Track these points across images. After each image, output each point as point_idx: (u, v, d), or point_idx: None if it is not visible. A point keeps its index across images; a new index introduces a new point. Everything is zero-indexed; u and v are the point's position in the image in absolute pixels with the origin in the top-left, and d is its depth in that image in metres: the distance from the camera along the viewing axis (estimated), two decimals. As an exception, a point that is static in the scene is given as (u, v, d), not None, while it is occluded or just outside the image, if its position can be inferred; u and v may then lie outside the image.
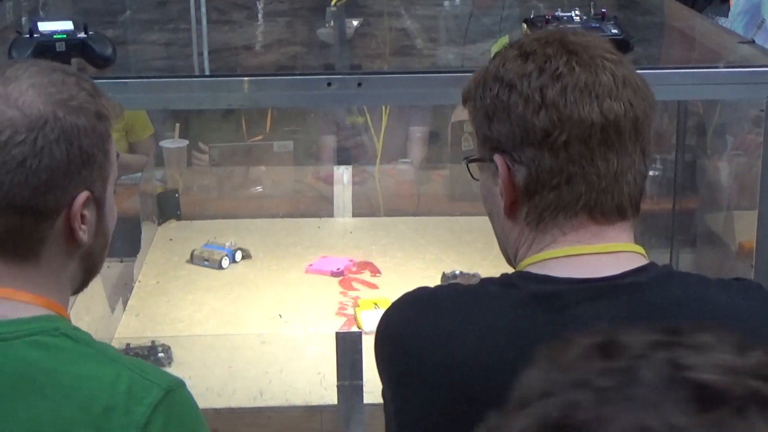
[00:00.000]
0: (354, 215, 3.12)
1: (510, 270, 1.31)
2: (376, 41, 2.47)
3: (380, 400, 2.12)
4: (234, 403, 2.14)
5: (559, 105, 1.20)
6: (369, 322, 2.36)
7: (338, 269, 2.75)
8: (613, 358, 0.59)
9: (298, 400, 2.16)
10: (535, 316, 1.20)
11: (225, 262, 2.78)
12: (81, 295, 1.55)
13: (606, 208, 1.23)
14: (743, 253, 2.46)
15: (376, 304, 2.48)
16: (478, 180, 1.33)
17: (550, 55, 1.22)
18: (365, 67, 2.21)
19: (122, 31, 2.55)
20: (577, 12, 2.04)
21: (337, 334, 2.14)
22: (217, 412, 2.09)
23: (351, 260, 2.79)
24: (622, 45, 1.87)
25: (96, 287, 2.26)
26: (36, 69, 1.24)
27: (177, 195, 3.13)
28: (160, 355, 2.25)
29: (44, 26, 1.91)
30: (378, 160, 3.42)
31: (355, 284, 2.69)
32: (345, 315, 2.52)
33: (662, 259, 2.39)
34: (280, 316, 2.49)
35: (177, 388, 1.22)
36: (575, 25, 2.01)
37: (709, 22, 2.92)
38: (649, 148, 1.25)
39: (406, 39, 2.52)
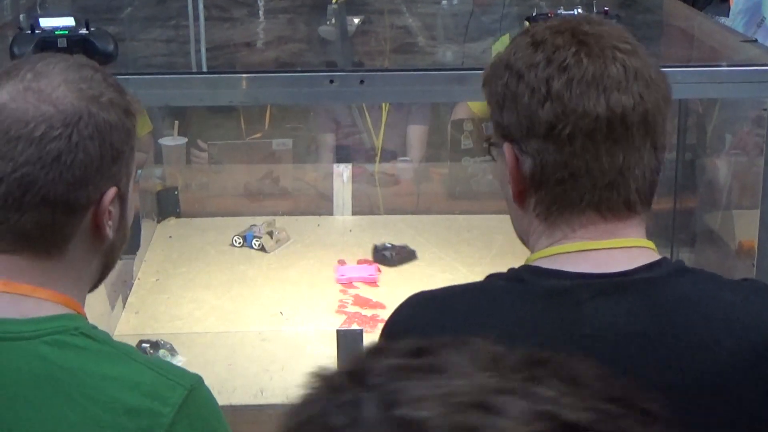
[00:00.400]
0: (353, 213, 3.11)
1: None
2: (378, 39, 2.47)
3: (381, 398, 2.14)
4: (234, 401, 2.13)
5: (564, 97, 1.18)
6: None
7: (371, 275, 2.72)
8: (344, 391, 0.59)
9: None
10: (550, 313, 1.19)
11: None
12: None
13: (613, 203, 1.22)
14: (743, 252, 2.46)
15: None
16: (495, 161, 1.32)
17: (560, 46, 1.21)
18: (367, 65, 2.21)
19: (122, 28, 2.55)
20: (579, 10, 2.04)
21: (338, 331, 2.14)
22: (217, 409, 2.09)
23: (376, 267, 2.76)
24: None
25: (96, 284, 2.26)
26: (65, 64, 1.25)
27: (176, 193, 3.12)
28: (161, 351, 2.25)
29: (46, 22, 1.91)
30: (378, 158, 3.41)
31: (355, 282, 2.69)
32: (345, 312, 2.52)
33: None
34: (281, 313, 2.49)
35: (198, 386, 1.22)
36: (577, 23, 2.01)
37: (710, 20, 2.92)
38: (661, 142, 1.23)
39: (408, 36, 2.52)
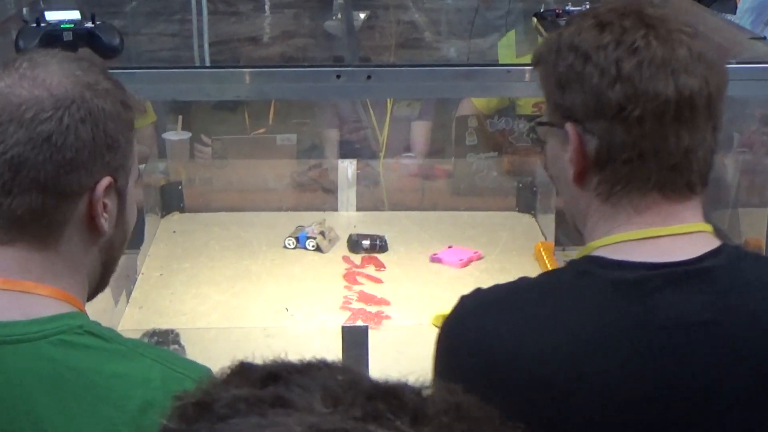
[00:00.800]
0: (358, 209, 3.11)
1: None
2: (384, 34, 2.46)
3: (386, 395, 2.13)
4: (239, 397, 2.12)
5: (634, 79, 1.20)
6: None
7: (461, 260, 2.73)
8: (189, 422, 0.59)
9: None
10: (619, 305, 1.19)
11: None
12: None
13: (677, 185, 1.23)
14: (750, 249, 2.45)
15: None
16: (545, 142, 1.32)
17: (627, 28, 1.22)
18: (373, 60, 2.20)
19: (127, 21, 2.54)
20: (587, 6, 2.03)
21: (344, 328, 2.13)
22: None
23: (476, 252, 2.78)
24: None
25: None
26: (63, 56, 1.25)
27: (180, 187, 3.11)
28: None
29: (51, 16, 1.91)
30: (382, 154, 3.41)
31: (359, 278, 2.68)
32: (349, 309, 2.51)
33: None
34: (286, 309, 2.48)
35: (210, 377, 1.20)
36: (586, 19, 2.00)
37: (718, 17, 2.91)
38: (720, 124, 1.24)
39: (413, 32, 2.51)
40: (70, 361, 1.17)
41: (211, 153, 3.46)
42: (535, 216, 3.05)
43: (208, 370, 1.22)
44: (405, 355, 2.28)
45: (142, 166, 3.07)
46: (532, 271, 2.70)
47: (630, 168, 1.22)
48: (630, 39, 1.21)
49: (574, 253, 2.86)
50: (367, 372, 2.12)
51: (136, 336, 2.24)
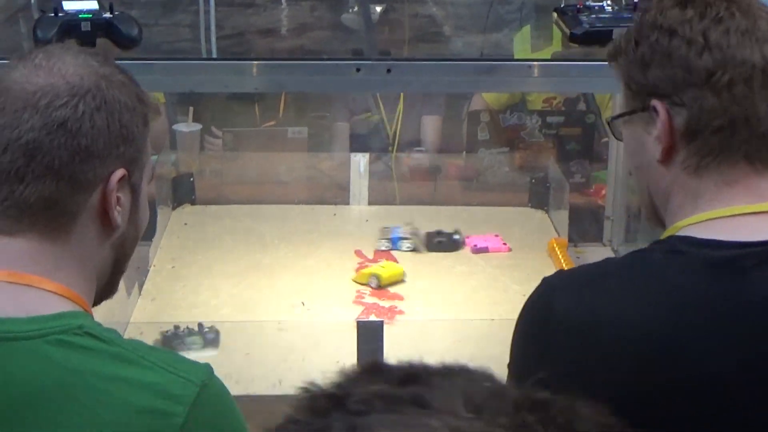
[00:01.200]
0: (370, 203, 3.09)
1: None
2: (401, 27, 2.45)
3: (400, 391, 2.12)
4: (253, 391, 2.11)
5: (722, 46, 1.23)
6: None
7: (477, 245, 2.76)
8: (320, 415, 0.57)
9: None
10: (715, 283, 1.18)
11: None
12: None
13: (764, 154, 1.24)
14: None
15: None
16: (621, 140, 1.34)
17: (710, 2, 1.26)
18: (393, 53, 2.19)
19: (143, 12, 2.53)
20: (608, 2, 2.02)
21: (359, 322, 2.12)
22: (236, 399, 2.07)
23: (500, 239, 2.80)
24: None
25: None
26: (78, 48, 1.26)
27: (192, 179, 3.10)
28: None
29: (69, 5, 1.89)
30: (395, 148, 3.40)
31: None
32: (362, 303, 2.50)
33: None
34: (303, 303, 2.47)
35: (209, 380, 1.18)
36: (607, 15, 1.99)
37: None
38: None
39: (432, 25, 2.49)
40: (68, 362, 1.14)
41: (222, 145, 3.45)
42: (547, 212, 3.04)
43: (209, 371, 1.20)
44: (420, 350, 2.24)
45: (154, 158, 3.06)
46: (546, 267, 2.69)
47: (720, 137, 1.23)
48: (714, 11, 1.25)
49: (587, 250, 2.88)
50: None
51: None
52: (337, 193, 3.12)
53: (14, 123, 1.17)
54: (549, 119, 3.38)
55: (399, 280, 2.60)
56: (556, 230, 2.91)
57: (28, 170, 1.17)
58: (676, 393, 1.17)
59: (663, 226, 1.31)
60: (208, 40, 3.09)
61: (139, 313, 2.44)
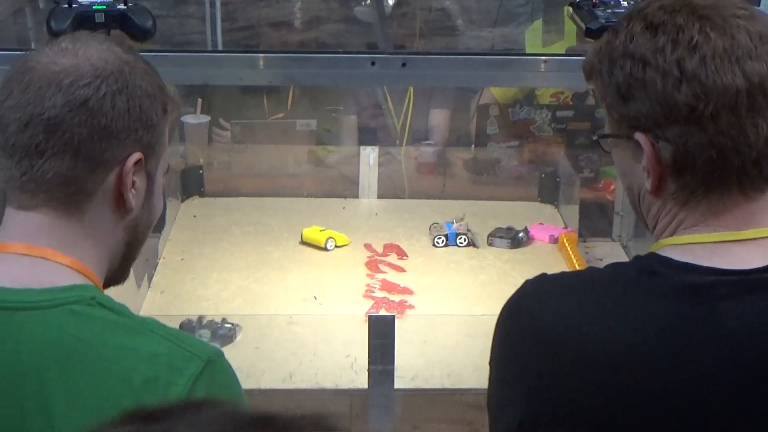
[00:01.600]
0: (379, 197, 3.09)
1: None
2: (415, 20, 2.44)
3: (411, 386, 2.13)
4: (263, 384, 2.11)
5: (700, 76, 1.15)
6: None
7: (552, 236, 2.78)
8: None
9: (328, 383, 2.14)
10: (684, 309, 1.16)
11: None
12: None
13: (756, 181, 1.19)
14: None
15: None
16: (608, 152, 1.28)
17: (681, 25, 1.17)
18: (407, 47, 2.18)
19: (156, 3, 2.52)
20: (624, -4, 2.00)
21: (370, 317, 2.12)
22: (246, 392, 2.06)
23: (565, 228, 2.84)
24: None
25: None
26: (103, 38, 1.28)
27: (201, 171, 3.10)
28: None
29: (83, -4, 1.88)
30: (404, 141, 3.39)
31: (381, 267, 2.66)
32: (372, 297, 2.49)
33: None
34: (315, 297, 2.46)
35: (216, 358, 1.21)
36: (623, 10, 1.97)
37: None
38: None
39: (443, 19, 2.48)
40: (78, 331, 1.17)
41: (230, 137, 3.44)
42: (557, 206, 3.03)
43: (218, 351, 1.22)
44: (430, 345, 2.27)
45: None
46: (556, 262, 2.69)
47: (710, 169, 1.17)
48: (687, 36, 1.16)
49: (596, 245, 2.87)
50: (393, 364, 2.09)
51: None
52: (347, 187, 3.11)
53: (37, 100, 1.20)
54: (558, 113, 3.37)
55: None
56: (566, 225, 2.90)
57: (47, 146, 1.20)
58: (633, 414, 1.15)
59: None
60: (214, 32, 3.09)
61: (148, 306, 2.44)
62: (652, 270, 1.19)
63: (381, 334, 2.06)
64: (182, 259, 2.69)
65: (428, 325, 2.34)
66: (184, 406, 0.63)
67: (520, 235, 2.79)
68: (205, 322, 2.28)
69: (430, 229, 2.82)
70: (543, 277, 1.28)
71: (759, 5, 3.61)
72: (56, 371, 1.15)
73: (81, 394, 1.14)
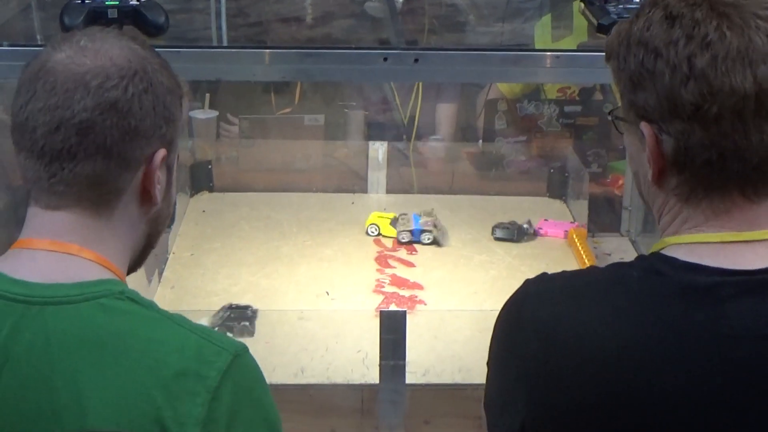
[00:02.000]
0: (388, 191, 3.09)
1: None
2: (423, 16, 2.44)
3: (422, 381, 2.13)
4: (275, 380, 2.11)
5: (709, 76, 1.13)
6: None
7: (565, 231, 2.79)
8: None
9: (339, 378, 2.14)
10: (687, 310, 1.14)
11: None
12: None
13: (759, 186, 1.17)
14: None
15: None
16: (622, 134, 1.27)
17: (699, 20, 1.15)
18: (420, 43, 2.18)
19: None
20: (637, -10, 2.00)
21: (382, 312, 2.12)
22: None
23: (575, 223, 2.83)
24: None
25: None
26: (118, 33, 1.29)
27: (210, 167, 3.10)
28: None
29: (96, -8, 1.88)
30: (413, 137, 3.39)
31: (391, 262, 2.66)
32: (382, 292, 2.50)
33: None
34: (327, 293, 2.46)
35: (243, 353, 1.22)
36: (635, 6, 1.97)
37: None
38: None
39: (453, 14, 2.48)
40: (109, 324, 1.18)
41: (239, 132, 3.44)
42: (566, 201, 3.04)
43: (244, 346, 1.24)
44: (441, 340, 2.27)
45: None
46: (565, 257, 2.69)
47: (710, 170, 1.16)
48: (702, 32, 1.14)
49: (605, 240, 2.86)
50: (404, 359, 2.09)
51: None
52: (355, 182, 3.11)
53: (66, 103, 1.20)
54: (566, 108, 3.37)
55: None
56: (575, 220, 2.90)
57: (80, 149, 1.21)
58: (635, 416, 1.14)
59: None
60: (219, 27, 3.08)
61: (158, 301, 2.42)
62: (656, 270, 1.18)
63: (392, 329, 2.07)
64: (192, 254, 2.69)
65: (439, 321, 2.34)
66: None
67: (525, 226, 2.79)
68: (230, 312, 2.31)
69: (397, 220, 2.80)
70: (543, 277, 1.27)
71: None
72: (88, 364, 1.16)
73: (113, 386, 1.16)
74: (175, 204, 2.77)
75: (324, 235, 2.81)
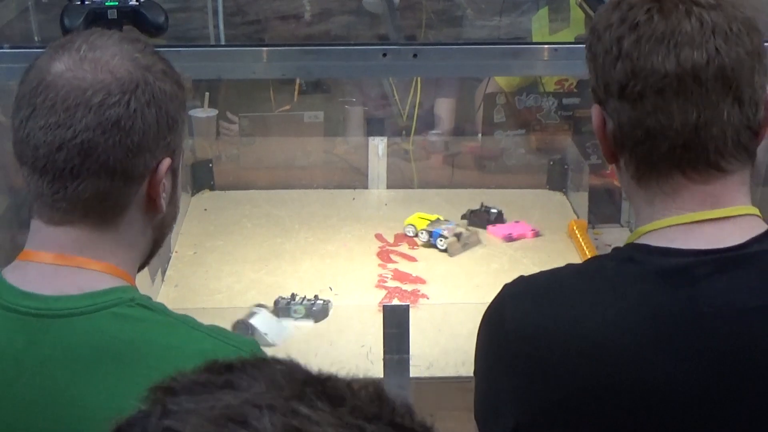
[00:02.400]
0: (388, 187, 3.10)
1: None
2: (421, 11, 2.44)
3: (427, 374, 2.14)
4: (280, 375, 2.12)
5: (632, 56, 1.19)
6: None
7: (509, 234, 2.74)
8: (151, 402, 0.69)
9: (343, 372, 2.15)
10: (665, 292, 1.17)
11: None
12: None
13: (696, 165, 1.20)
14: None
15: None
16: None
17: (634, 4, 1.21)
18: (418, 38, 2.19)
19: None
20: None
21: (385, 306, 2.13)
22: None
23: (533, 229, 2.78)
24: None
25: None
26: (118, 37, 1.26)
27: (211, 165, 3.11)
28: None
29: (95, -7, 1.89)
30: (412, 131, 3.40)
31: (393, 257, 2.67)
32: (385, 287, 2.51)
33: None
34: (330, 288, 2.47)
35: (258, 351, 1.23)
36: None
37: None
38: (750, 96, 1.19)
39: (452, 9, 2.49)
40: (123, 333, 1.19)
41: (238, 130, 3.44)
42: (566, 193, 3.05)
43: (257, 344, 1.26)
44: (444, 333, 2.28)
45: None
46: (566, 249, 2.70)
47: (643, 148, 1.20)
48: (632, 15, 1.20)
49: (605, 231, 2.87)
50: (408, 353, 2.10)
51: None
52: (356, 178, 3.12)
53: (68, 121, 1.18)
54: (564, 101, 3.38)
55: None
56: (575, 212, 2.92)
57: (83, 168, 1.19)
58: (623, 402, 1.17)
59: None
60: (216, 26, 3.09)
61: (162, 300, 2.44)
62: (629, 258, 1.21)
63: (395, 323, 2.08)
64: (195, 253, 2.70)
65: (442, 314, 2.35)
66: (257, 360, 0.69)
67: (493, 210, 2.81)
68: (297, 299, 2.34)
69: (435, 222, 2.75)
70: (521, 279, 1.29)
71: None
72: (104, 375, 1.16)
73: (130, 396, 1.15)
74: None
75: (326, 231, 2.82)
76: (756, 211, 1.23)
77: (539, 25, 3.43)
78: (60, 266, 1.22)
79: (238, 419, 0.62)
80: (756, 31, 1.22)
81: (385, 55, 1.84)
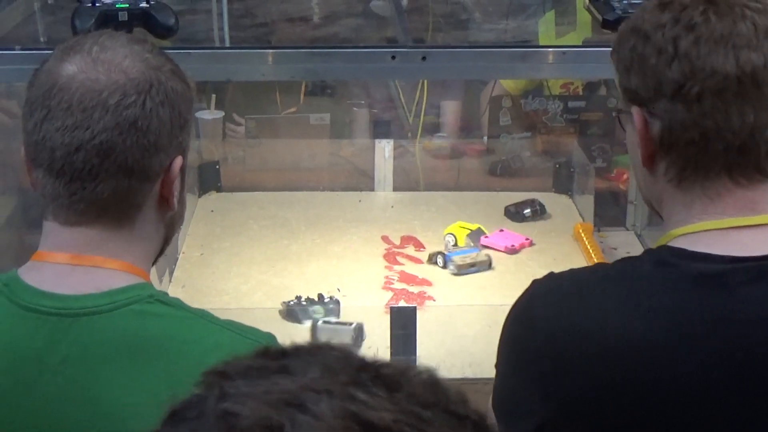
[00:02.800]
0: (395, 189, 3.10)
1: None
2: (430, 14, 2.45)
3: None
4: (288, 377, 2.13)
5: (691, 56, 1.18)
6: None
7: (512, 245, 2.70)
8: (206, 386, 0.67)
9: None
10: (700, 298, 1.17)
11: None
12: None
13: (746, 169, 1.20)
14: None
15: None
16: (625, 131, 1.31)
17: (687, 5, 1.20)
18: (426, 41, 2.19)
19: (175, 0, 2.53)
20: (638, -14, 2.01)
21: (392, 308, 2.14)
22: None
23: (527, 238, 2.74)
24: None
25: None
26: (127, 38, 1.28)
27: (217, 167, 3.12)
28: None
29: (106, -5, 1.90)
30: (418, 134, 3.41)
31: (399, 258, 2.68)
32: (391, 289, 2.51)
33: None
34: (338, 290, 2.48)
35: (275, 342, 1.25)
36: (639, 1, 1.99)
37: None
38: None
39: (458, 12, 2.49)
40: (142, 330, 1.20)
41: (244, 132, 3.46)
42: (572, 197, 3.05)
43: (273, 336, 1.27)
44: (451, 335, 2.29)
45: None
46: (573, 252, 2.70)
47: (695, 150, 1.20)
48: (688, 15, 1.20)
49: (611, 235, 2.88)
50: (415, 354, 2.11)
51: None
52: (362, 180, 3.13)
53: (85, 123, 1.20)
54: (570, 104, 3.39)
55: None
56: (581, 215, 2.92)
57: (101, 169, 1.21)
58: (653, 404, 1.16)
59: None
60: (221, 28, 3.10)
61: (170, 300, 2.46)
62: (665, 261, 1.20)
63: (403, 325, 2.09)
64: (202, 254, 2.71)
65: (448, 316, 2.36)
66: (312, 346, 0.70)
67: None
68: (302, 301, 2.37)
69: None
70: (551, 276, 1.29)
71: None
72: (125, 371, 1.18)
73: (152, 392, 1.16)
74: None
75: (332, 233, 2.83)
76: None
77: (546, 28, 3.44)
78: (76, 266, 1.23)
79: (295, 403, 0.62)
80: None
81: (394, 57, 1.85)
